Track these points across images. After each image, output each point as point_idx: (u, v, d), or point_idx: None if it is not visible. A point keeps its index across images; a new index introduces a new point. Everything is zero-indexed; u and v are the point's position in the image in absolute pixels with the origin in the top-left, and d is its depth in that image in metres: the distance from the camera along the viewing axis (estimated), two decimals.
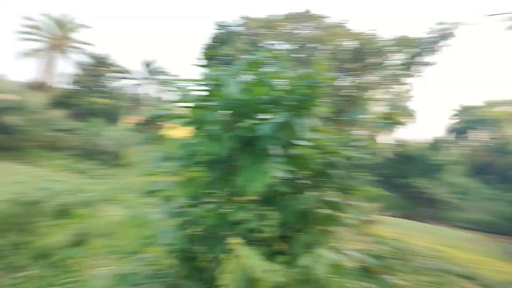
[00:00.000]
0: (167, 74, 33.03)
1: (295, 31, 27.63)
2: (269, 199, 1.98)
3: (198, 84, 2.18)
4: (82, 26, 26.80)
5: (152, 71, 33.13)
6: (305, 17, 27.11)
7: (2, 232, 4.89)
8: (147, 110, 30.46)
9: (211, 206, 2.12)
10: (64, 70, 25.64)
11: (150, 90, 33.81)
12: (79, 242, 4.86)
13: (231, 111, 2.09)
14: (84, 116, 20.51)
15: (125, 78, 32.05)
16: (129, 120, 32.11)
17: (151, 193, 2.61)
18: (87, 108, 21.14)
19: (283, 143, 2.03)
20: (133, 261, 2.67)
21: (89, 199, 7.49)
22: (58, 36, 25.24)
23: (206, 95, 2.14)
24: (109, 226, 5.62)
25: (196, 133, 2.19)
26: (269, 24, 28.83)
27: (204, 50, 30.56)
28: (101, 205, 7.61)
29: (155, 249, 2.35)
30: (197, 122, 2.14)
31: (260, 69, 2.15)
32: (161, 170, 2.69)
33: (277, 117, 1.87)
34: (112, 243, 5.23)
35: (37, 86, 23.58)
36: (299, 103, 1.99)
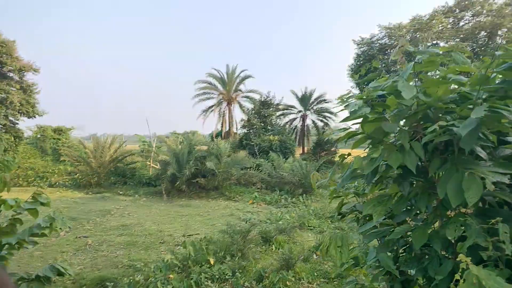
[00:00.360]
0: (325, 101, 33.94)
1: (457, 25, 24.29)
2: (489, 211, 1.70)
3: (366, 97, 2.11)
4: (247, 77, 30.88)
5: (312, 100, 34.60)
6: (464, 6, 23.57)
7: (222, 258, 5.87)
8: (316, 137, 31.75)
9: (415, 223, 1.98)
10: (239, 117, 29.93)
11: (313, 118, 35.32)
12: (285, 266, 5.33)
13: (413, 117, 1.94)
14: (263, 153, 23.12)
15: (290, 113, 34.72)
16: (301, 150, 34.15)
17: (343, 215, 2.65)
18: (264, 146, 23.75)
19: (491, 142, 1.74)
20: (343, 285, 2.71)
21: (283, 226, 8.15)
22: (229, 90, 29.92)
23: (379, 106, 2.05)
24: (308, 251, 6.00)
25: (376, 148, 2.12)
26: (421, 26, 26.23)
27: (356, 68, 30.04)
28: (295, 231, 8.18)
29: (362, 271, 2.33)
30: (375, 136, 2.06)
31: (437, 66, 1.94)
32: (348, 190, 2.72)
33: (476, 113, 1.59)
34: (315, 266, 5.52)
35: (221, 134, 28.29)
36: (505, 92, 1.67)
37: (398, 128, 1.93)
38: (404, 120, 2.03)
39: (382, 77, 2.25)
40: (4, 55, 19.91)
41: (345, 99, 2.16)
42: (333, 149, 31.52)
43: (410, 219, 2.14)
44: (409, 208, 2.08)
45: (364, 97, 2.09)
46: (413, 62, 1.96)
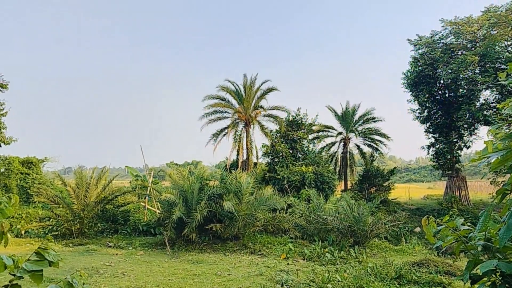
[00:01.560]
0: (374, 119, 33.69)
1: None
2: None
3: None
4: (270, 90, 30.47)
5: (357, 119, 34.38)
6: None
7: None
8: (363, 168, 31.33)
9: None
10: (260, 142, 29.52)
11: (358, 142, 34.96)
12: None
13: None
14: (293, 189, 22.84)
15: (327, 135, 34.55)
16: (343, 185, 33.64)
17: (475, 279, 2.40)
18: (294, 180, 23.46)
19: None
20: None
21: None
22: (248, 107, 29.84)
23: None
24: None
25: None
26: (499, 20, 26.18)
27: (414, 75, 29.96)
28: None
29: None
30: None
31: None
32: (476, 243, 2.50)
33: None
34: None
35: (237, 164, 28.10)
36: None
37: None
38: None
39: None
40: None
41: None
42: (385, 183, 30.96)
43: None
44: None
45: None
46: None
